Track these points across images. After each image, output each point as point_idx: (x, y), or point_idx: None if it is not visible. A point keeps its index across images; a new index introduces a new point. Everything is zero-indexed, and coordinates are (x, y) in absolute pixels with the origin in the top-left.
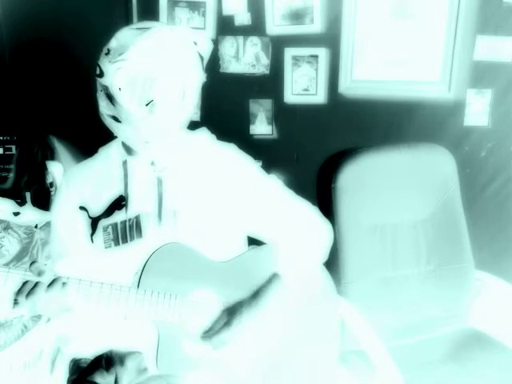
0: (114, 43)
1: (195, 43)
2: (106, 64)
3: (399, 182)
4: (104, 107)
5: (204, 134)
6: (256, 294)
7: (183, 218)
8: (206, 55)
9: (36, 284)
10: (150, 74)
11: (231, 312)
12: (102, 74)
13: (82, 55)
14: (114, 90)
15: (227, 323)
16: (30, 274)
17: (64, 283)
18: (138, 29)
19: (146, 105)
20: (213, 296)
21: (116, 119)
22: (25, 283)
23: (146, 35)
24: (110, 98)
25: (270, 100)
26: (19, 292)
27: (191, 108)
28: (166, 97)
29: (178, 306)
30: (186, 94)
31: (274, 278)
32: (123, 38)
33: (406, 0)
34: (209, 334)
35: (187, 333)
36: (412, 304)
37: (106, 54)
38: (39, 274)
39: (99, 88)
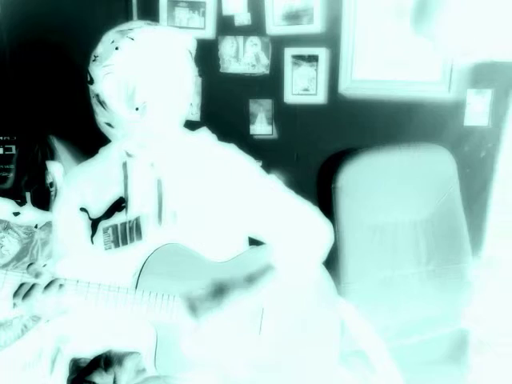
0: (100, 49)
1: (180, 39)
2: (94, 70)
3: (399, 182)
4: (98, 114)
5: (204, 134)
6: (248, 279)
7: (183, 219)
8: (193, 50)
9: (32, 286)
10: (138, 77)
11: (221, 289)
12: (92, 81)
13: (81, 56)
14: (104, 96)
15: (213, 297)
16: (28, 276)
17: (61, 285)
18: (120, 31)
19: (137, 109)
20: None
21: (110, 125)
22: (21, 285)
23: (128, 37)
24: (102, 104)
25: (270, 100)
26: (16, 294)
27: (186, 106)
28: (157, 98)
29: (176, 307)
30: (179, 92)
31: (267, 267)
32: (107, 42)
33: (406, 0)
34: (196, 307)
35: (185, 333)
36: (412, 304)
37: (94, 60)
38: (36, 275)
39: (92, 95)
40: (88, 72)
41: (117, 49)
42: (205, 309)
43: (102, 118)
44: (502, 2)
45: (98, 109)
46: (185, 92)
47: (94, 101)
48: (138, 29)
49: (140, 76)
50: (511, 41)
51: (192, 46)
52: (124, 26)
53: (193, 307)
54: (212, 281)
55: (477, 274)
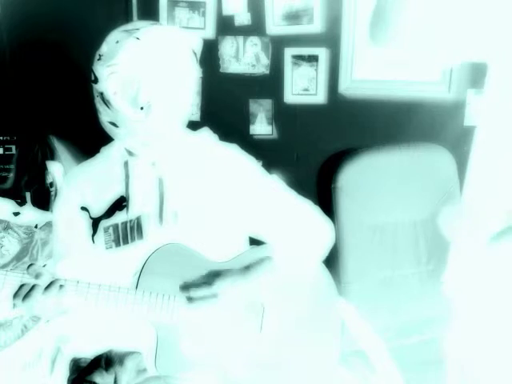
0: (104, 48)
1: (186, 40)
2: (98, 69)
3: (399, 182)
4: (102, 113)
5: (206, 133)
6: (245, 268)
7: (184, 218)
8: (198, 51)
9: (33, 287)
10: (143, 77)
11: (216, 275)
12: (96, 80)
13: (81, 55)
14: (109, 95)
15: (209, 282)
16: (28, 277)
17: (61, 286)
18: (126, 31)
19: (142, 108)
20: None
21: (114, 124)
22: (21, 286)
23: (134, 36)
24: (106, 103)
25: (270, 100)
26: (16, 295)
27: (189, 106)
28: (162, 98)
29: (176, 307)
30: (183, 92)
31: (265, 258)
32: (113, 41)
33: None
34: (188, 285)
35: (186, 333)
36: (412, 304)
37: (98, 59)
38: (37, 276)
39: (95, 94)
40: (92, 71)
41: (122, 48)
42: (201, 296)
43: (105, 117)
44: (462, 5)
45: (101, 108)
46: (189, 92)
47: (97, 100)
48: (143, 28)
49: (145, 75)
50: (477, 42)
51: (197, 47)
52: (129, 26)
53: (189, 296)
54: (208, 270)
55: (450, 221)
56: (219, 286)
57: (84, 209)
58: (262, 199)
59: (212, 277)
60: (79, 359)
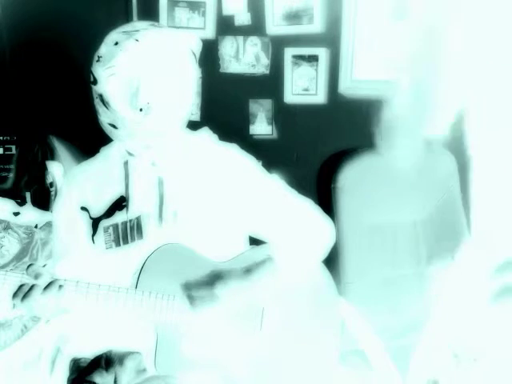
0: (103, 49)
1: (185, 41)
2: (98, 71)
3: (399, 182)
4: (101, 115)
5: (206, 133)
6: (247, 270)
7: (184, 218)
8: (197, 51)
9: (32, 287)
10: (142, 78)
11: (218, 276)
12: (95, 82)
13: (81, 55)
14: (108, 97)
15: (210, 283)
16: (27, 277)
17: (61, 286)
18: (124, 32)
19: (141, 109)
20: None
21: (113, 126)
22: (20, 286)
23: (133, 38)
24: (106, 104)
25: (269, 100)
26: (15, 295)
27: (189, 107)
28: (161, 99)
29: (176, 307)
30: (182, 93)
31: (266, 258)
32: (111, 43)
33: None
34: (190, 284)
35: (185, 333)
36: (412, 304)
37: (97, 60)
38: (36, 276)
39: (95, 95)
40: (91, 72)
41: (121, 50)
42: (201, 297)
43: (105, 118)
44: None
45: (101, 109)
46: (188, 93)
47: (97, 101)
48: (143, 30)
49: (144, 77)
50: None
51: (196, 48)
52: (129, 27)
53: (190, 295)
54: (210, 271)
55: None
56: (220, 288)
57: (84, 209)
58: (262, 198)
59: (213, 278)
60: (79, 359)
